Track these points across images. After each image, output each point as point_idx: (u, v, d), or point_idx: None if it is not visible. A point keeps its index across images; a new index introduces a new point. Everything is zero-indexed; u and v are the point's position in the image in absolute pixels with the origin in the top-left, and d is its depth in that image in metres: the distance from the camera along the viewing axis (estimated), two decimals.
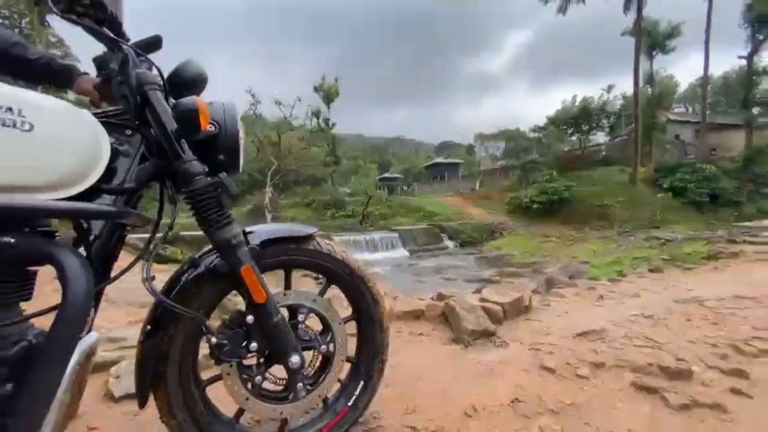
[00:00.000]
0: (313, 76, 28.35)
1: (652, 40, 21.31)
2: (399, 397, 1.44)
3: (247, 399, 1.00)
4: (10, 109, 0.63)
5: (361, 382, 1.19)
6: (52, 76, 1.05)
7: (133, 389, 1.00)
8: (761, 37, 21.90)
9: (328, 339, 1.11)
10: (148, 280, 0.83)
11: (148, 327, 0.93)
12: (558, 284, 3.97)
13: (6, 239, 0.63)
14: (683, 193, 18.11)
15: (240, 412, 1.07)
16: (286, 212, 21.21)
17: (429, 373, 1.67)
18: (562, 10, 20.88)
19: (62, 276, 0.66)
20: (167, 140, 0.85)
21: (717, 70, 33.55)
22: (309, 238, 1.08)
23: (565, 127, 24.86)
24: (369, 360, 1.19)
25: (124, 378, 1.50)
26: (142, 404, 0.94)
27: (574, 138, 26.83)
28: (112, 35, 0.81)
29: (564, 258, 12.25)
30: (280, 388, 1.06)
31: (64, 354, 0.67)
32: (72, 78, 1.07)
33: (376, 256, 15.15)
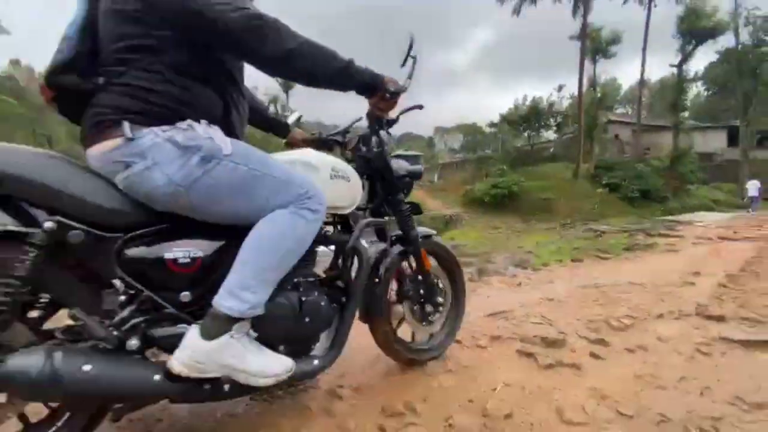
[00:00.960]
0: None
1: (595, 45, 22.89)
2: (334, 366, 1.76)
3: (417, 325, 1.72)
4: (340, 170, 1.34)
5: (456, 315, 1.93)
6: (276, 128, 1.69)
7: None
8: (690, 48, 24.20)
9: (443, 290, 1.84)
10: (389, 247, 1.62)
11: (376, 280, 1.56)
12: (488, 273, 4.48)
13: (327, 229, 1.44)
14: (618, 189, 19.86)
15: (413, 335, 1.82)
16: None
17: (360, 347, 1.99)
18: (516, 11, 21.87)
19: (358, 252, 1.42)
20: (392, 183, 1.57)
21: (655, 75, 36.63)
22: (432, 235, 1.81)
23: (516, 124, 26.22)
24: (458, 302, 1.93)
25: None
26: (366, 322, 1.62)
27: (526, 134, 28.31)
28: (386, 131, 1.54)
29: (511, 248, 13.13)
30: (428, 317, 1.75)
31: (357, 295, 1.42)
32: (287, 130, 1.71)
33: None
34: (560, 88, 26.00)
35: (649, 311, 2.70)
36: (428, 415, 1.36)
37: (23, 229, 0.86)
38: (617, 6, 23.19)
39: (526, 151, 27.06)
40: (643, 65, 24.05)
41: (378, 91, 1.22)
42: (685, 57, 24.09)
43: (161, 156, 0.96)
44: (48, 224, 0.87)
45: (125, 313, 0.96)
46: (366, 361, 1.83)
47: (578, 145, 21.53)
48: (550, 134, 29.50)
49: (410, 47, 1.31)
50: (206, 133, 1.01)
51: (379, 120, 1.46)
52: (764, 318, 2.57)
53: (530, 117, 25.00)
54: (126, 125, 0.96)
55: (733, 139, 28.17)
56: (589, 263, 5.25)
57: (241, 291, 0.99)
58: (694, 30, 22.99)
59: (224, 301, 0.99)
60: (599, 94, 24.45)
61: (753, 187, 16.74)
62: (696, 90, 42.16)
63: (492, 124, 31.38)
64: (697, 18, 22.70)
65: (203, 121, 1.04)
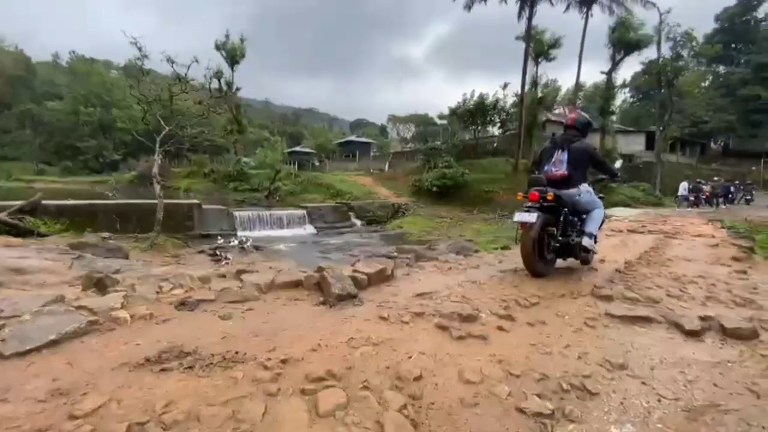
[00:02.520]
0: (220, 32, 26.13)
1: (538, 47, 24.26)
2: (266, 342, 1.88)
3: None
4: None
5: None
6: None
7: (19, 349, 1.63)
8: (619, 57, 26.44)
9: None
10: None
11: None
12: (424, 258, 4.78)
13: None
14: None
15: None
16: (178, 182, 19.58)
17: (294, 325, 2.13)
18: (468, 6, 22.51)
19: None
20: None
21: (592, 79, 39.55)
22: None
23: (463, 118, 27.20)
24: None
25: (10, 341, 1.65)
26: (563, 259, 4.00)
27: (472, 128, 29.43)
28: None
29: (453, 236, 13.80)
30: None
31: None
32: None
33: (283, 233, 15.09)
34: (505, 85, 27.16)
35: (554, 292, 3.11)
36: (347, 379, 1.53)
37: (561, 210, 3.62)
38: (560, 12, 24.70)
39: (472, 145, 28.17)
40: (578, 70, 25.94)
41: (614, 178, 4.12)
42: (614, 65, 26.31)
43: (585, 193, 3.72)
44: (565, 210, 3.63)
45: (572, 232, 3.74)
46: (296, 337, 1.96)
47: (519, 141, 22.89)
48: (494, 129, 30.94)
49: (620, 167, 4.39)
50: (590, 186, 3.82)
51: (603, 181, 4.18)
52: (643, 298, 3.07)
53: (476, 112, 26.02)
54: (579, 184, 3.68)
55: (650, 143, 31.45)
56: (515, 251, 5.74)
57: (593, 229, 3.70)
58: (623, 41, 25.14)
59: (590, 229, 3.67)
60: (540, 95, 26.03)
61: (682, 188, 18.86)
62: (623, 96, 46.34)
63: (442, 117, 32.16)
64: (626, 30, 24.83)
65: (586, 183, 3.79)
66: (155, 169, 10.52)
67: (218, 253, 8.86)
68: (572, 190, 3.63)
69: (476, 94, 26.06)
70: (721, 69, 42.24)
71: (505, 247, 5.97)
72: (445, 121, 33.14)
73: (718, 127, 38.01)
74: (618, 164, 4.42)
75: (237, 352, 1.71)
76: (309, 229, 16.21)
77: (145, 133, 12.85)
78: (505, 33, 26.88)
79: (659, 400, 1.61)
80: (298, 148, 44.39)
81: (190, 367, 1.57)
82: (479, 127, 27.84)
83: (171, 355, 1.70)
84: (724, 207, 18.10)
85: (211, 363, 1.59)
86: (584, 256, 3.91)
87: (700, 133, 37.49)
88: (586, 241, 3.59)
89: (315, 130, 63.91)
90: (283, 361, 1.64)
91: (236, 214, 14.76)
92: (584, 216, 3.79)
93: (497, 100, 26.09)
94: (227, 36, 26.14)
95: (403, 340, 1.97)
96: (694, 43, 34.28)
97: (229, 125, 24.35)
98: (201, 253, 8.82)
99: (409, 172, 25.91)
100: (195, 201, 13.78)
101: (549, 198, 3.41)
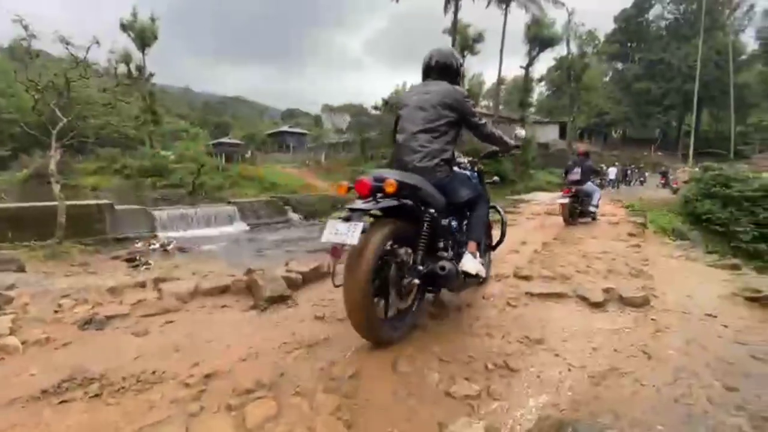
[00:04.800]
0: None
1: (462, 41, 25.30)
2: (188, 357, 1.74)
3: None
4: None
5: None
6: None
7: None
8: (535, 53, 28.57)
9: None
10: None
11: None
12: None
13: None
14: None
15: None
16: (84, 180, 17.36)
17: (221, 335, 2.00)
18: None
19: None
20: None
21: (513, 73, 42.23)
22: None
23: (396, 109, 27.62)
24: None
25: None
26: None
27: None
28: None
29: None
30: None
31: None
32: None
33: (210, 232, 14.15)
34: None
35: None
36: (278, 387, 1.48)
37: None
38: (483, 8, 25.91)
39: None
40: (500, 64, 27.57)
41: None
42: (531, 61, 28.41)
43: (590, 187, 7.63)
44: (581, 197, 7.25)
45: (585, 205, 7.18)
46: (223, 348, 1.85)
47: None
48: None
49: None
50: (592, 183, 7.75)
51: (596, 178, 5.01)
52: (557, 275, 3.38)
53: None
54: (586, 183, 7.33)
55: (563, 132, 34.67)
56: None
57: (594, 202, 7.25)
58: (538, 38, 27.20)
59: (593, 203, 7.27)
60: (466, 87, 27.26)
61: (612, 173, 21.02)
62: (540, 89, 50.31)
63: (376, 107, 32.26)
64: (539, 27, 26.86)
65: (590, 182, 7.49)
66: (52, 166, 9.21)
67: (137, 258, 8.08)
68: (583, 187, 6.99)
69: (407, 86, 26.50)
70: (619, 65, 47.61)
71: None
72: (378, 112, 33.26)
73: (618, 118, 43.00)
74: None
75: (154, 372, 1.56)
76: (240, 226, 15.40)
77: (38, 125, 11.09)
78: (435, 26, 27.51)
79: (569, 370, 1.78)
80: (225, 140, 41.65)
81: (96, 395, 1.41)
82: None
83: (73, 383, 1.51)
84: (624, 188, 20.62)
85: (123, 387, 1.44)
86: (591, 215, 7.19)
87: (603, 123, 42.14)
88: (591, 208, 7.11)
89: (243, 119, 60.27)
90: (208, 376, 1.53)
91: (156, 213, 13.52)
92: (588, 196, 7.11)
93: None
94: (134, 14, 23.50)
95: (339, 338, 1.95)
96: (597, 42, 38.29)
97: (142, 115, 22.01)
98: (115, 259, 7.98)
99: (347, 163, 25.74)
100: (105, 201, 12.34)
101: (574, 192, 6.87)
